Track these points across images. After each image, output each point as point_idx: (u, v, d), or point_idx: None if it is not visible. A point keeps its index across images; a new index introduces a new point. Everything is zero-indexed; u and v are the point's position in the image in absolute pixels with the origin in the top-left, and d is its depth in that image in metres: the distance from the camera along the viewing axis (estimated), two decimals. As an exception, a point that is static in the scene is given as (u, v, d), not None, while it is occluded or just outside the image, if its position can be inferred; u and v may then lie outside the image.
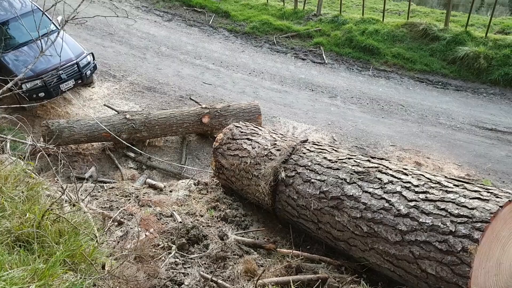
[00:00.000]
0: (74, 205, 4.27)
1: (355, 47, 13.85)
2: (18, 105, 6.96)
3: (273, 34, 14.83)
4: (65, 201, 4.31)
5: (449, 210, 3.57)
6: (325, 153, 4.96)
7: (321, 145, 5.22)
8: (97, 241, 3.59)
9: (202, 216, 5.38)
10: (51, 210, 3.43)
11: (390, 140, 10.05)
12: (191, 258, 4.39)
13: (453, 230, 3.44)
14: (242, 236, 5.08)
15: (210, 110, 9.65)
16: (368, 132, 10.34)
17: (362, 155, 4.83)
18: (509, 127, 10.48)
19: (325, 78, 12.69)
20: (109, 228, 4.37)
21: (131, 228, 4.58)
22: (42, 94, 9.83)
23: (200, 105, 10.04)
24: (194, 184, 6.69)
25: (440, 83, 12.45)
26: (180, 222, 4.94)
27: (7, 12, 10.31)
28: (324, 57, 13.65)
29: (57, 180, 4.56)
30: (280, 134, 5.96)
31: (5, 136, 5.47)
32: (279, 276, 4.18)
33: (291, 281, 3.93)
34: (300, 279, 4.10)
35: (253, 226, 5.47)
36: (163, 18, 15.95)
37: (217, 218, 5.38)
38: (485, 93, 11.96)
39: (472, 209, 3.46)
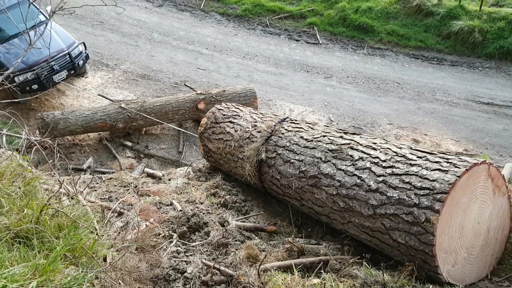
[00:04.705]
0: (72, 198, 4.24)
1: (349, 26, 13.72)
2: (12, 100, 6.86)
3: (266, 16, 14.66)
4: (63, 194, 4.29)
5: (413, 183, 3.79)
6: (301, 132, 5.14)
7: (298, 123, 5.39)
8: (97, 233, 3.58)
9: (202, 203, 5.37)
10: (49, 204, 3.40)
11: (387, 118, 10.03)
12: (193, 246, 4.39)
13: (417, 202, 3.68)
14: (243, 222, 5.08)
15: (205, 95, 9.59)
16: (365, 111, 10.31)
17: (336, 131, 4.97)
18: (506, 101, 10.47)
19: (320, 58, 12.59)
20: (108, 219, 4.35)
21: (131, 218, 4.57)
22: (35, 86, 9.74)
23: (195, 91, 9.97)
24: (193, 171, 6.67)
25: (435, 59, 12.38)
26: (180, 210, 4.93)
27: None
28: (318, 37, 13.53)
29: (54, 173, 4.52)
30: (260, 113, 6.06)
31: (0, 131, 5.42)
32: (281, 260, 4.19)
33: (293, 265, 3.94)
34: (302, 262, 4.11)
35: (253, 211, 5.47)
36: (154, 3, 15.73)
37: (217, 205, 5.37)
38: (481, 67, 11.90)
39: (433, 181, 3.68)
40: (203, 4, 15.57)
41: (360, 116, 10.14)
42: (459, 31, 12.45)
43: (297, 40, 13.59)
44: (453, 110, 10.28)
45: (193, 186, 5.95)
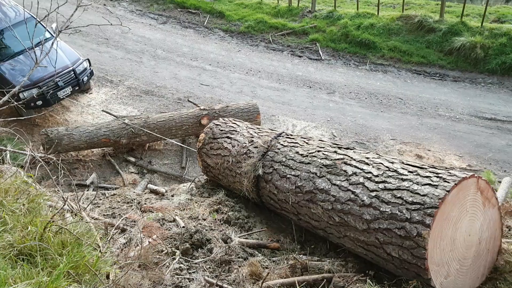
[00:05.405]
0: (76, 215, 4.25)
1: (351, 42, 13.82)
2: (17, 117, 6.93)
3: (269, 32, 14.80)
4: (67, 210, 4.30)
5: (404, 198, 3.86)
6: (297, 147, 5.21)
7: (293, 138, 5.45)
8: (100, 250, 3.58)
9: (204, 219, 5.36)
10: (53, 221, 3.41)
11: (390, 134, 10.04)
12: (196, 263, 4.37)
13: (409, 217, 3.75)
14: (246, 238, 5.07)
15: (208, 111, 9.65)
16: (368, 126, 10.33)
17: (330, 146, 5.04)
18: (509, 116, 10.47)
19: (323, 74, 12.66)
20: (112, 236, 4.35)
21: (134, 235, 4.56)
22: (39, 103, 9.82)
23: (199, 106, 10.03)
24: (196, 187, 6.67)
25: (437, 75, 12.43)
26: (183, 227, 4.92)
27: (1, 21, 10.27)
28: (321, 53, 13.63)
29: (58, 190, 4.54)
30: (257, 128, 6.13)
31: (4, 148, 5.45)
32: (284, 277, 4.16)
33: (296, 282, 3.92)
34: (306, 279, 4.09)
35: (256, 227, 5.45)
36: (158, 21, 15.93)
37: (220, 221, 5.36)
38: (483, 83, 11.94)
39: (424, 195, 3.75)
40: (206, 21, 15.74)
41: (363, 131, 10.15)
42: (461, 47, 12.51)
43: (299, 56, 13.69)
44: (456, 125, 10.28)
45: (196, 202, 5.94)
